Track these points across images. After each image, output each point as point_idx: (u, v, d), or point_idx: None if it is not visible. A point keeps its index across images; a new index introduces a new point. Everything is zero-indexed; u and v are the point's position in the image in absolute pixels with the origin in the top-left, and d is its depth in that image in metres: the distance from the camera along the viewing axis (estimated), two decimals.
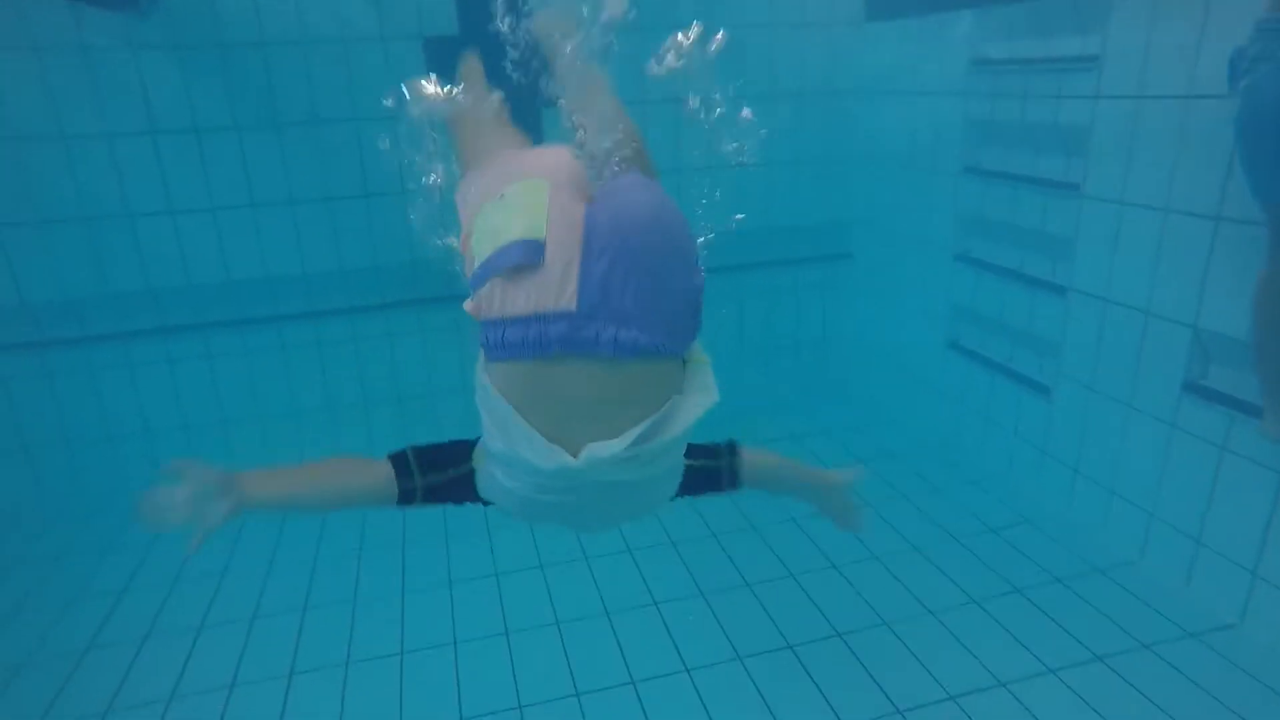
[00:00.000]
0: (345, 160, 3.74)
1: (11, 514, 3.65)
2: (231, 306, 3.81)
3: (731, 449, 1.80)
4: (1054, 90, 3.04)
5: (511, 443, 1.34)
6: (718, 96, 1.85)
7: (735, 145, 1.99)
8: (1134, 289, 2.78)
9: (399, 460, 1.57)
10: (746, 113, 1.83)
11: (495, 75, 1.78)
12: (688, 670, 2.54)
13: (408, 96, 1.74)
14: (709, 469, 1.74)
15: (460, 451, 1.57)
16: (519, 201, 1.39)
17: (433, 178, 1.82)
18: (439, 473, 1.56)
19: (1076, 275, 3.04)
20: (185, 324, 3.78)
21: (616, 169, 1.48)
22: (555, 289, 1.26)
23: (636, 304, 1.26)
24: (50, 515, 3.66)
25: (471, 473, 1.55)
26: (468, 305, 1.38)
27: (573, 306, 1.24)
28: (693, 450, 1.63)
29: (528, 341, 1.26)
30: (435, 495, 1.58)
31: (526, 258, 1.28)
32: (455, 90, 1.80)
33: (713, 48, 1.75)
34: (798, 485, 2.02)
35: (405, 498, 1.56)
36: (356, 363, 4.04)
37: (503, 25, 1.66)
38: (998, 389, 3.56)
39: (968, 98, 3.50)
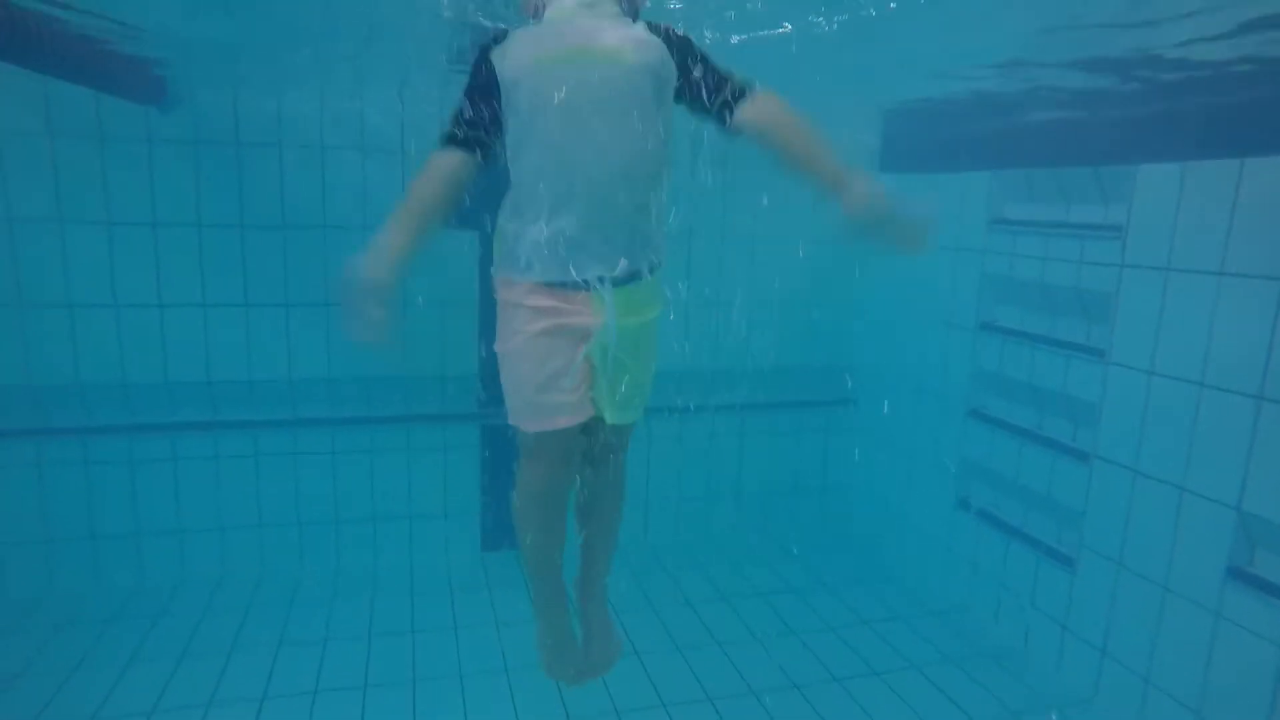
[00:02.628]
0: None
1: None
2: (207, 408, 3.59)
3: (745, 87, 1.78)
4: (1076, 255, 3.04)
5: None
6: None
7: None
8: (1167, 463, 2.66)
9: (448, 139, 1.79)
10: None
11: None
12: None
13: None
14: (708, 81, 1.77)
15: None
16: None
17: None
18: (456, 111, 1.79)
19: (1102, 443, 2.92)
20: (156, 424, 3.54)
21: None
22: None
23: None
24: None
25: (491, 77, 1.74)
26: None
27: None
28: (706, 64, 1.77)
29: None
30: (481, 123, 1.76)
31: None
32: None
33: None
34: (809, 170, 1.78)
35: (471, 147, 1.77)
36: (370, 475, 3.80)
37: None
38: (1013, 555, 3.36)
39: (985, 254, 3.51)
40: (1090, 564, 2.97)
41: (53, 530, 3.50)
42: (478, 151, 1.77)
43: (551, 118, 1.68)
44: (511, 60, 1.72)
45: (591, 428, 1.98)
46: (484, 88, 1.74)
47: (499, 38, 1.77)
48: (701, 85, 1.73)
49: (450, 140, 1.78)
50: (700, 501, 4.28)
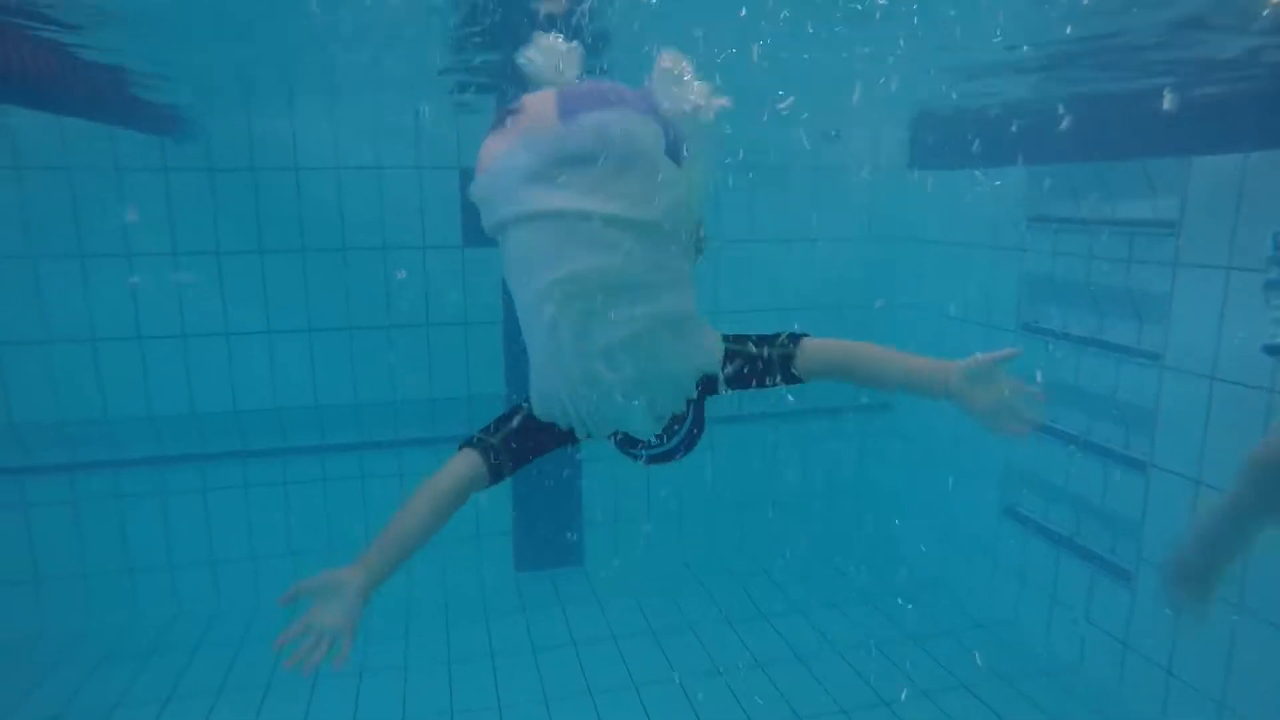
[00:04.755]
0: (370, 290, 3.59)
1: None
2: (236, 438, 3.56)
3: (791, 338, 1.70)
4: (1124, 254, 2.89)
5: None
6: None
7: None
8: (1234, 473, 2.51)
9: (469, 442, 1.62)
10: None
11: None
12: None
13: None
14: (752, 354, 1.68)
15: (512, 409, 1.67)
16: None
17: None
18: (504, 426, 1.63)
19: (1159, 451, 2.78)
20: (184, 454, 3.52)
21: None
22: None
23: None
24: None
25: (528, 409, 1.63)
26: None
27: None
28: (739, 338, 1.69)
29: None
30: (515, 451, 1.62)
31: None
32: None
33: None
34: (900, 378, 1.67)
35: (494, 472, 1.59)
36: (363, 500, 3.74)
37: None
38: (1065, 566, 3.23)
39: (1024, 253, 3.36)
40: (1151, 578, 2.83)
41: (42, 569, 3.47)
42: (500, 469, 1.61)
43: None
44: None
45: None
46: (531, 439, 1.65)
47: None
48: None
49: (467, 445, 1.62)
50: (734, 513, 4.18)
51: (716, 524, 4.16)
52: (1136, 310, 2.88)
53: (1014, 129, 3.35)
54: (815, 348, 1.68)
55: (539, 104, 1.54)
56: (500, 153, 1.54)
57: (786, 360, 1.66)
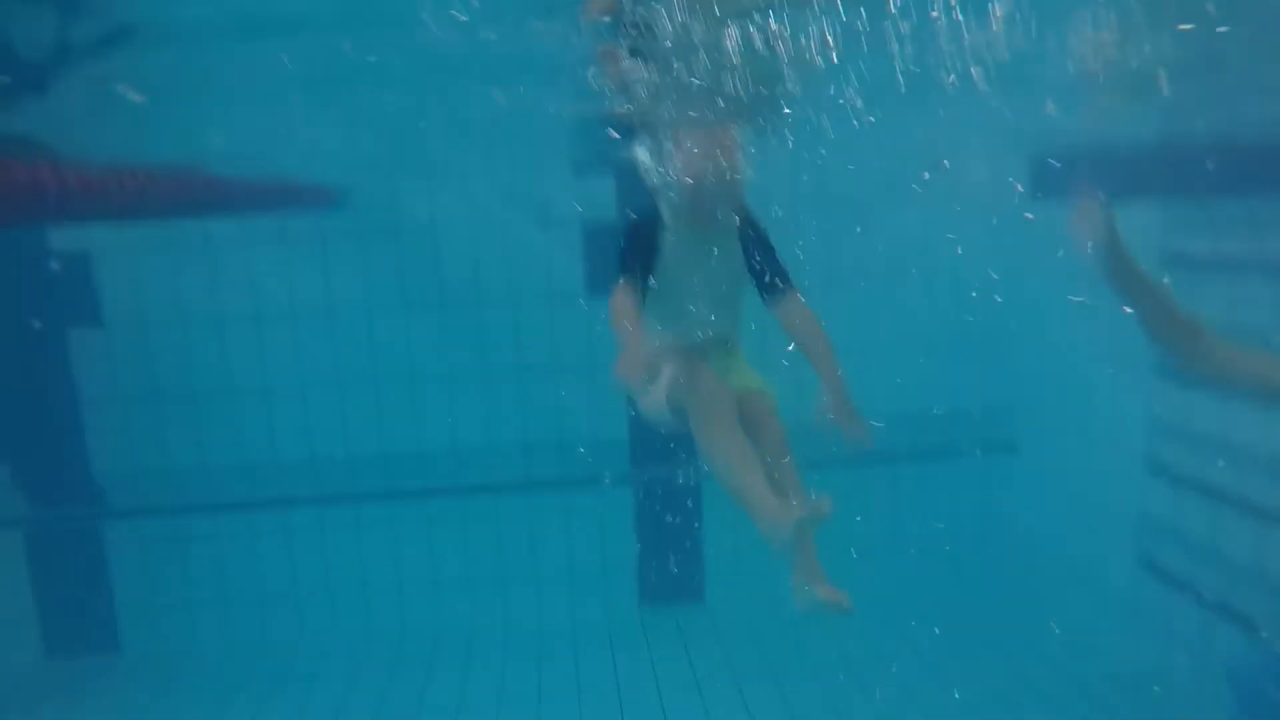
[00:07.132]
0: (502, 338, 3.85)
1: None
2: (384, 479, 3.90)
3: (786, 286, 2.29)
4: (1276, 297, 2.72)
5: None
6: None
7: None
8: None
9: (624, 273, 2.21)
10: None
11: None
12: None
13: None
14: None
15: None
16: None
17: None
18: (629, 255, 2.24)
19: None
20: (341, 494, 3.90)
21: None
22: None
23: None
24: None
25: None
26: None
27: None
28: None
29: None
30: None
31: None
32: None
33: None
34: (818, 370, 2.27)
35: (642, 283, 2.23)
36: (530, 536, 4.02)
37: None
38: (1213, 626, 3.05)
39: None
40: None
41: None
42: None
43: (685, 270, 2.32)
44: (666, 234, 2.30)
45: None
46: (647, 251, 2.27)
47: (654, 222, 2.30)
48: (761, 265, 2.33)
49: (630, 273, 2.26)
50: (858, 557, 4.14)
51: (838, 567, 4.14)
52: None
53: (1149, 158, 3.21)
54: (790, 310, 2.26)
55: None
56: None
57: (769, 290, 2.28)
